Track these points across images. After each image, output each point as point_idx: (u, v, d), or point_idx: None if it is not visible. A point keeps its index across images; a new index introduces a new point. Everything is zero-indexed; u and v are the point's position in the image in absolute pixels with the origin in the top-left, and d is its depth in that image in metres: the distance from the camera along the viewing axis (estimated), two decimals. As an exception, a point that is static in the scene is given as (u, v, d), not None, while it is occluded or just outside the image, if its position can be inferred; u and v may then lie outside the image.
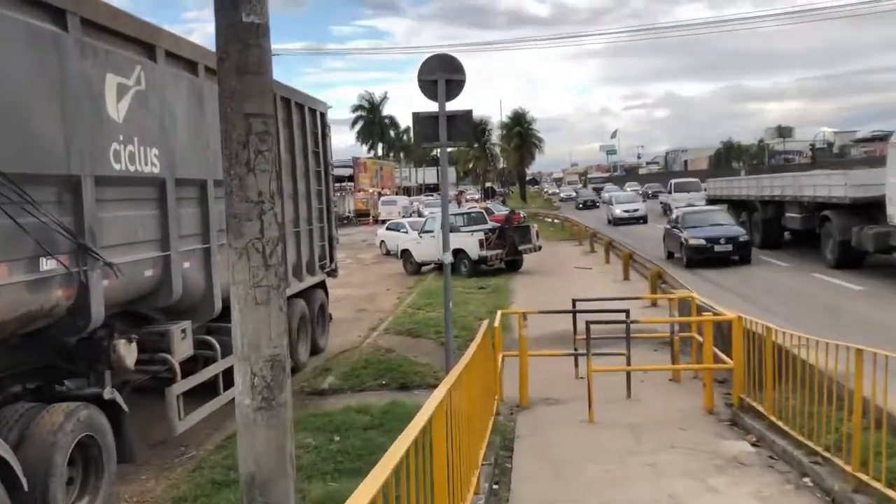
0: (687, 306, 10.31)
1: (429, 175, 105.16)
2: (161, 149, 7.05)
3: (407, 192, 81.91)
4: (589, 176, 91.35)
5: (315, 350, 12.21)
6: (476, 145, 69.26)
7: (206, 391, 8.09)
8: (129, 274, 6.46)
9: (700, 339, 9.40)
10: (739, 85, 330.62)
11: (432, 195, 70.95)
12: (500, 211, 33.60)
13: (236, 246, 4.14)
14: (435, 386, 6.37)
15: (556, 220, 40.81)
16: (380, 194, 58.25)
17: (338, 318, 15.92)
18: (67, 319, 5.79)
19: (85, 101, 5.88)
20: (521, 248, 21.49)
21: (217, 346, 8.30)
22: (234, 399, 4.26)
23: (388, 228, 30.43)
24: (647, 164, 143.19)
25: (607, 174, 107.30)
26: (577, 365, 9.88)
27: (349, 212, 55.94)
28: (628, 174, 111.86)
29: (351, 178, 60.88)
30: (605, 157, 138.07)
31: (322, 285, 12.90)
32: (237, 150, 4.12)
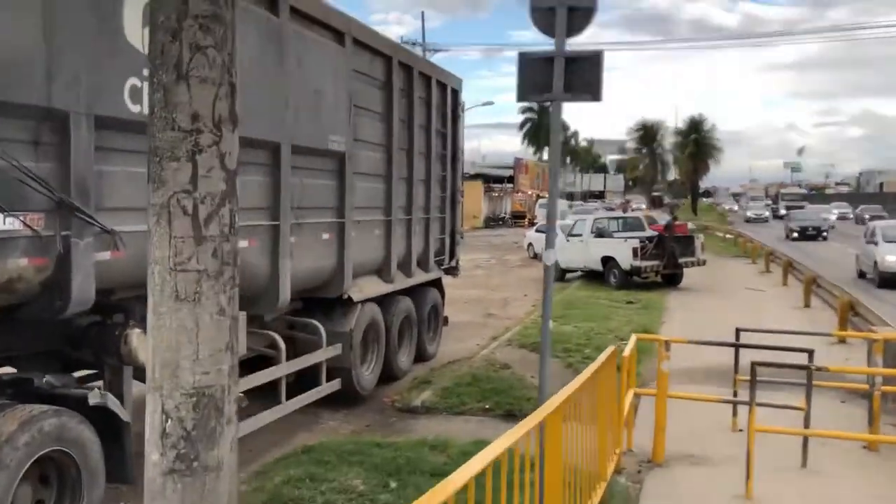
0: (893, 350, 7.77)
1: (595, 181, 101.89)
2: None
3: (570, 197, 79.26)
4: (783, 192, 77.98)
5: (423, 356, 10.64)
6: (645, 150, 65.66)
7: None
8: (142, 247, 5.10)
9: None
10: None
11: (596, 202, 68.07)
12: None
13: (154, 202, 2.52)
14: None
15: (727, 235, 37.11)
16: (538, 197, 56.27)
17: (462, 322, 14.32)
18: (42, 297, 4.49)
19: (87, 15, 4.55)
20: (681, 260, 18.88)
21: (280, 344, 6.88)
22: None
23: (537, 230, 28.51)
24: (836, 184, 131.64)
25: (804, 191, 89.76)
26: (735, 413, 7.64)
27: (506, 213, 54.50)
28: (816, 194, 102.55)
29: (511, 180, 59.41)
30: (788, 174, 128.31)
31: (437, 284, 11.30)
32: (164, 44, 2.49)
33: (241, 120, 6.02)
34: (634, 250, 18.28)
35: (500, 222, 53.23)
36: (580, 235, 20.33)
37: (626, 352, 6.73)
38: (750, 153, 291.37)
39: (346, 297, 8.08)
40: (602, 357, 6.15)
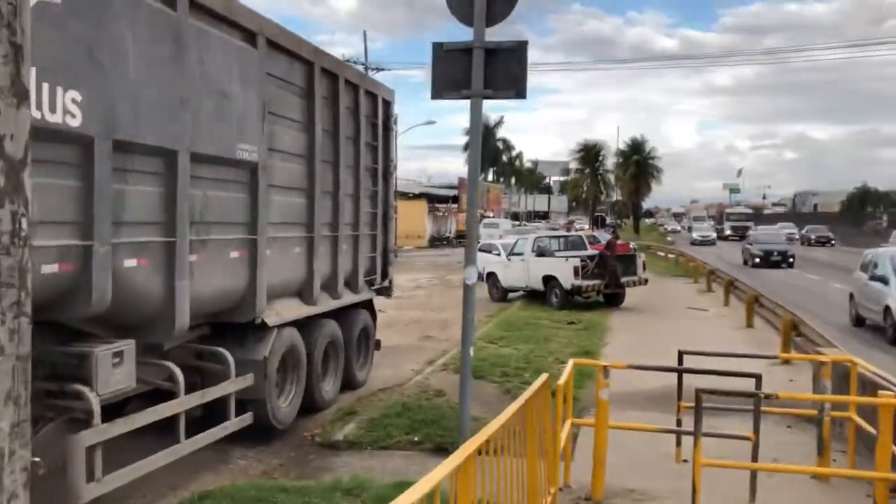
0: (841, 375, 7.40)
1: (539, 202, 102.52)
2: (89, 92, 4.94)
3: (516, 217, 79.40)
4: (728, 212, 74.73)
5: (352, 384, 9.92)
6: (588, 170, 66.16)
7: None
8: None
9: (860, 421, 6.55)
10: (876, 130, 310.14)
11: (540, 222, 68.17)
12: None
13: None
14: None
15: (669, 255, 37.24)
16: (483, 216, 56.02)
17: (398, 346, 13.64)
18: None
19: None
20: (623, 279, 18.56)
21: (178, 376, 6.12)
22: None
23: (480, 250, 28.01)
24: (773, 205, 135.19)
25: (749, 211, 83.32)
26: (679, 443, 7.15)
27: (450, 232, 54.04)
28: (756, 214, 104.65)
29: (456, 199, 59.07)
30: (727, 195, 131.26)
31: (368, 305, 10.62)
32: None
33: (130, 123, 5.38)
34: (576, 269, 17.88)
35: (445, 242, 52.77)
36: (521, 254, 19.88)
37: (562, 379, 6.16)
38: (690, 175, 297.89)
39: (259, 321, 7.35)
40: (534, 386, 5.58)
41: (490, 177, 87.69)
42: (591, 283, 18.06)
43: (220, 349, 6.93)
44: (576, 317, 16.54)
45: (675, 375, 7.39)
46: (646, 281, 19.35)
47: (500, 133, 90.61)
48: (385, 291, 11.24)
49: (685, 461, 7.09)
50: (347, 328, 9.75)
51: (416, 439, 7.65)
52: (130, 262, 5.49)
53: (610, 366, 6.26)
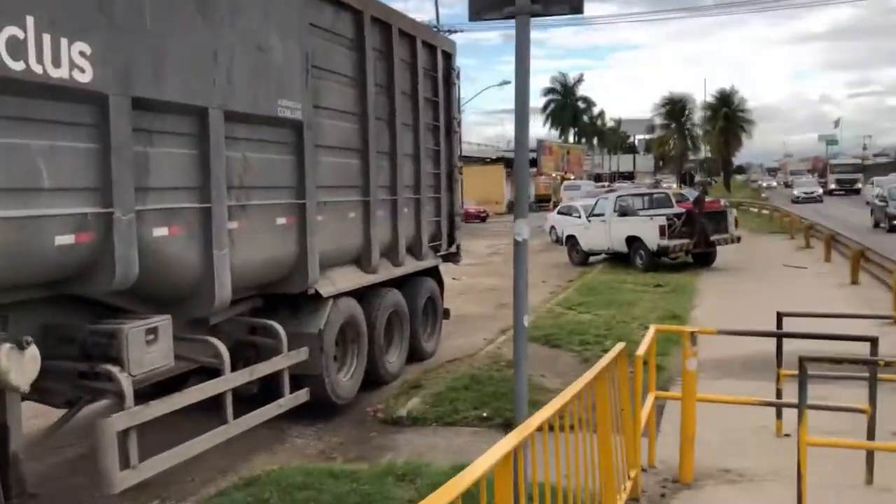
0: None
1: (624, 162, 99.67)
2: (100, 45, 4.49)
3: (598, 178, 77.43)
4: (832, 163, 63.72)
5: (419, 356, 9.43)
6: (673, 125, 63.57)
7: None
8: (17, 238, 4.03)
9: None
10: None
11: (624, 183, 66.12)
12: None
13: None
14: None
15: (763, 211, 35.33)
16: (563, 179, 54.71)
17: (471, 315, 13.10)
18: None
19: None
20: (713, 238, 17.38)
21: (222, 352, 5.71)
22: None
23: (559, 213, 27.12)
24: (874, 156, 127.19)
25: (857, 161, 68.34)
26: (780, 415, 6.34)
27: (529, 197, 53.02)
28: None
29: (535, 163, 57.84)
30: (824, 148, 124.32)
31: (434, 273, 10.07)
32: None
33: (150, 79, 4.91)
34: (661, 228, 16.83)
35: (525, 207, 51.55)
36: (602, 215, 18.91)
37: (642, 348, 5.44)
38: (781, 128, 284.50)
39: (312, 292, 6.88)
40: (610, 355, 4.89)
41: (571, 138, 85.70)
42: (678, 242, 16.98)
43: (271, 322, 6.50)
44: (662, 279, 15.58)
45: (773, 340, 6.55)
46: (738, 239, 18.10)
47: (580, 91, 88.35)
48: (452, 258, 10.67)
49: (787, 436, 6.31)
50: (412, 297, 9.23)
51: (484, 414, 7.08)
52: (160, 231, 5.06)
53: (698, 331, 5.49)
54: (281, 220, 6.42)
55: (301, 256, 6.67)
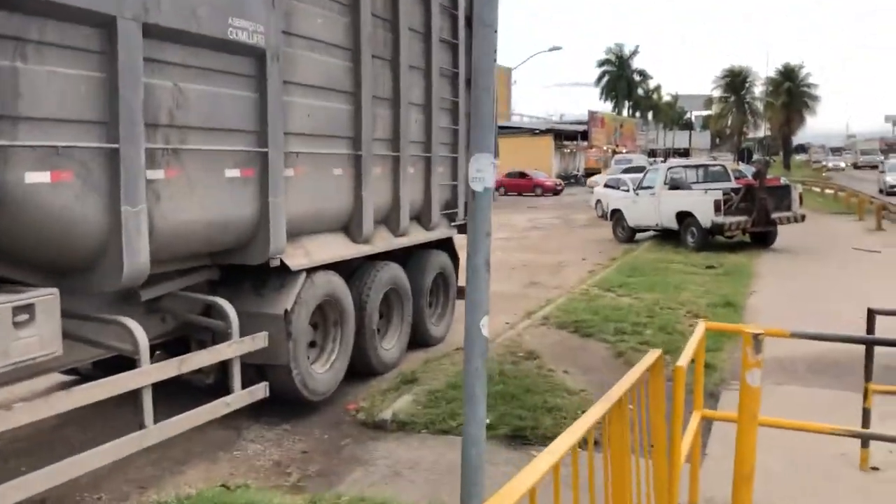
0: None
1: (679, 138, 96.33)
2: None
3: (652, 154, 74.75)
4: None
5: (424, 341, 8.11)
6: (733, 99, 60.62)
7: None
8: None
9: None
10: None
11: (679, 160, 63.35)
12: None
13: None
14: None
15: (827, 190, 32.96)
16: (614, 152, 52.55)
17: (497, 293, 11.60)
18: None
19: None
20: (775, 215, 15.57)
21: (139, 338, 4.46)
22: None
23: (606, 185, 25.42)
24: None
25: None
26: (865, 443, 4.85)
27: (578, 170, 51.07)
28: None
29: (585, 136, 55.73)
30: (890, 129, 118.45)
31: (447, 246, 8.69)
32: None
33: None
34: (717, 203, 15.09)
35: (573, 180, 49.75)
36: (651, 188, 17.22)
37: (686, 354, 3.99)
38: (843, 108, 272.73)
39: (277, 263, 5.58)
40: (640, 367, 3.47)
41: (625, 112, 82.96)
42: (735, 219, 15.23)
43: (218, 300, 5.23)
44: (716, 260, 13.92)
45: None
46: (802, 217, 16.23)
47: (636, 64, 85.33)
48: (472, 228, 9.24)
49: (875, 469, 4.85)
50: (417, 273, 7.89)
51: (487, 421, 5.69)
52: (37, 176, 3.78)
53: (763, 334, 4.02)
54: (232, 173, 5.10)
55: (261, 219, 5.37)
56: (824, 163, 67.36)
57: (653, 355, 3.51)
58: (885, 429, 5.06)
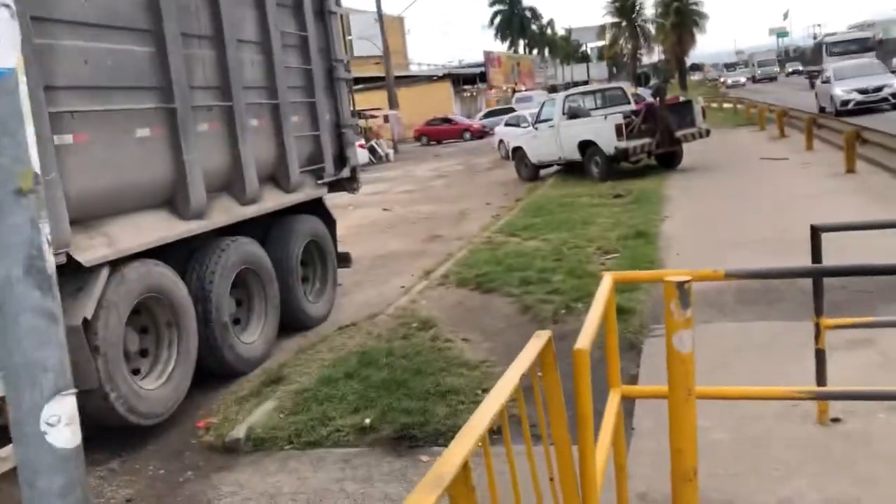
0: None
1: (577, 72, 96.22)
2: None
3: (553, 90, 74.20)
4: (829, 40, 41.66)
5: (300, 323, 6.90)
6: (625, 23, 60.41)
7: None
8: None
9: None
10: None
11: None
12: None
13: None
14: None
15: (725, 104, 32.86)
16: (513, 91, 51.60)
17: (395, 253, 10.56)
18: None
19: None
20: (679, 133, 14.81)
21: None
22: None
23: (507, 124, 24.46)
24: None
25: (866, 35, 44.47)
26: (820, 372, 3.93)
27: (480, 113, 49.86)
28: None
29: (483, 78, 54.55)
30: (774, 42, 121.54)
31: (318, 209, 7.44)
32: None
33: None
34: (618, 128, 14.20)
35: (476, 124, 48.54)
36: (550, 120, 16.23)
37: (586, 334, 2.86)
38: (727, 26, 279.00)
39: (63, 260, 4.24)
40: (524, 359, 2.35)
41: (521, 50, 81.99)
42: (638, 142, 14.39)
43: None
44: (623, 187, 13.09)
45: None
46: (707, 132, 15.53)
47: (527, 1, 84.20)
48: (347, 185, 8.01)
49: (837, 421, 3.98)
50: (281, 246, 6.63)
51: (367, 422, 4.56)
52: None
53: (690, 280, 2.97)
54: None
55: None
56: (723, 79, 66.81)
57: (538, 341, 2.39)
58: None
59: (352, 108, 8.17)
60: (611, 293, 3.21)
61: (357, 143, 27.12)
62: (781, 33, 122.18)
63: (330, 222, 7.55)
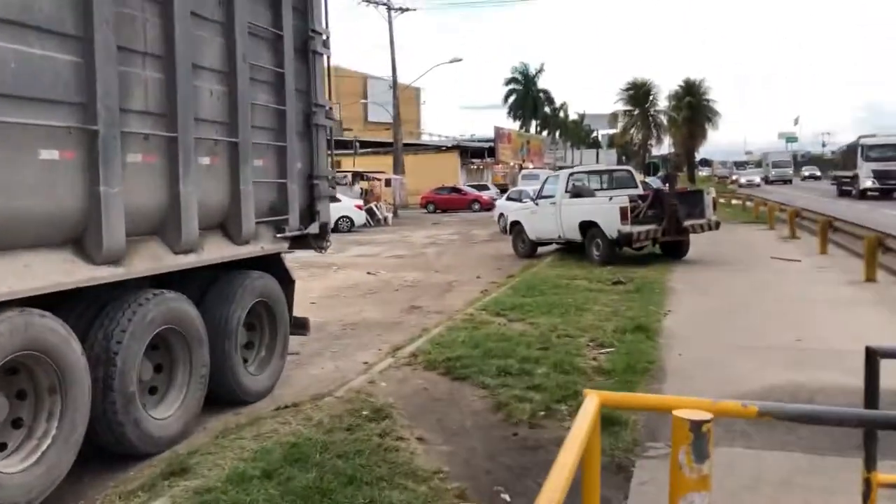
0: None
1: (587, 157, 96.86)
2: None
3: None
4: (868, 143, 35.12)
5: (237, 397, 5.90)
6: (637, 112, 60.61)
7: None
8: None
9: None
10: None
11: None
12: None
13: None
14: None
15: (734, 200, 32.30)
16: (521, 167, 51.33)
17: (368, 322, 9.61)
18: None
19: None
20: (687, 223, 13.99)
21: None
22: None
23: (508, 198, 23.78)
24: (833, 153, 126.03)
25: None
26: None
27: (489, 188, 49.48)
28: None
29: (492, 153, 54.42)
30: (783, 145, 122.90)
31: (274, 265, 6.52)
32: None
33: None
34: (623, 211, 13.38)
35: (480, 198, 48.06)
36: (552, 197, 15.46)
37: (559, 474, 1.93)
38: (738, 126, 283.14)
39: None
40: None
41: (533, 130, 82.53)
42: (643, 228, 13.57)
43: None
44: (624, 274, 12.18)
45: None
46: (717, 224, 14.72)
47: (543, 83, 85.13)
48: (314, 242, 7.10)
49: None
50: (221, 305, 5.70)
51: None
52: None
53: (709, 420, 2.04)
54: None
55: None
56: (735, 177, 63.01)
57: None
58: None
59: (331, 160, 7.34)
60: (594, 422, 2.25)
61: (355, 204, 26.49)
62: (791, 138, 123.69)
63: (287, 282, 6.61)
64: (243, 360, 6.04)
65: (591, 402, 2.29)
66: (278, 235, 6.40)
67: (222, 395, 5.77)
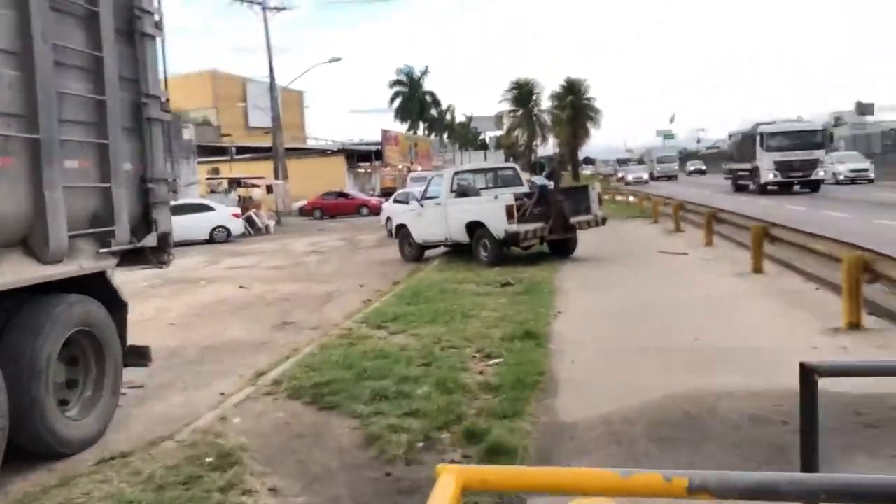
0: None
1: (475, 158, 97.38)
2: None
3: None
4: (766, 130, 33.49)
5: (51, 449, 4.85)
6: (521, 111, 61.13)
7: None
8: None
9: None
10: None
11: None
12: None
13: None
14: None
15: (617, 197, 32.70)
16: (409, 169, 50.69)
17: (232, 343, 8.61)
18: None
19: None
20: (574, 220, 13.61)
21: None
22: None
23: (395, 201, 23.03)
24: (708, 148, 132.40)
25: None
26: None
27: (374, 190, 48.63)
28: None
29: (379, 156, 53.55)
30: (661, 142, 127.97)
31: (97, 287, 5.47)
32: None
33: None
34: (509, 209, 12.84)
35: (369, 202, 47.12)
36: (437, 198, 14.79)
37: None
38: (618, 125, 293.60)
39: None
40: None
41: (421, 133, 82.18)
42: (530, 227, 13.07)
43: None
44: (513, 275, 11.63)
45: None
46: (604, 220, 14.43)
47: (428, 85, 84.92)
48: (152, 257, 6.08)
49: None
50: (24, 339, 4.64)
51: None
52: None
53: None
54: None
55: None
56: (621, 174, 62.61)
57: None
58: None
59: (170, 159, 6.35)
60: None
61: (232, 213, 24.97)
62: (668, 135, 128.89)
63: (117, 306, 5.58)
64: (61, 402, 4.99)
65: (447, 485, 1.52)
66: (102, 250, 5.36)
67: (33, 447, 4.71)
